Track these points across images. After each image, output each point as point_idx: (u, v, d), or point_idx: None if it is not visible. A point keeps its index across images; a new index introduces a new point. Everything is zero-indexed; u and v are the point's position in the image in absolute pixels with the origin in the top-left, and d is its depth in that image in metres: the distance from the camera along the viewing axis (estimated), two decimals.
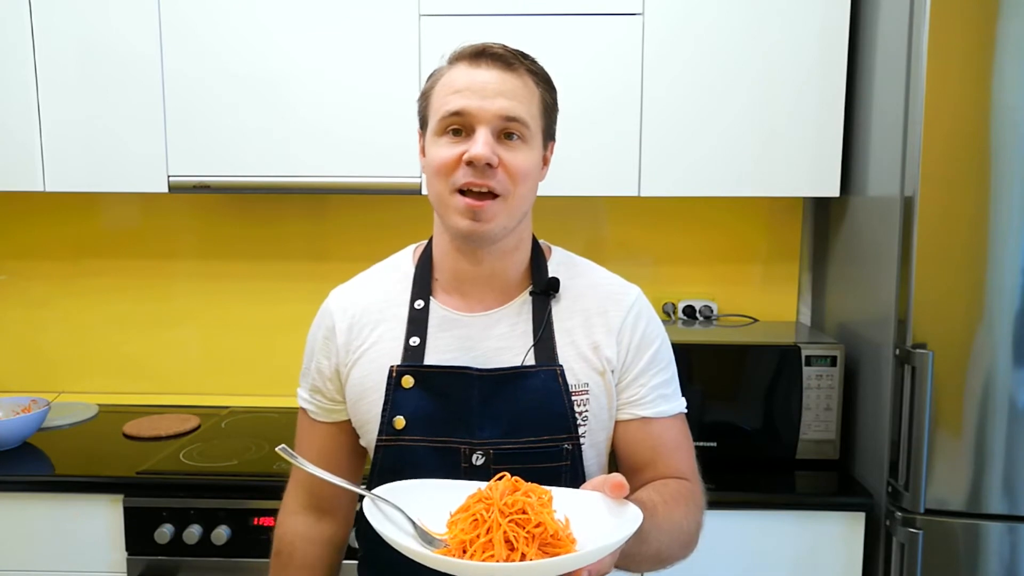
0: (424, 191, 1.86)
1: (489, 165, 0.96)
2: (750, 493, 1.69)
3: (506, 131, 0.98)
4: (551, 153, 1.09)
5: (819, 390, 1.79)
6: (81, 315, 2.27)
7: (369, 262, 1.18)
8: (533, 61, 1.04)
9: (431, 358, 1.04)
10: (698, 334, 1.96)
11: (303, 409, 1.15)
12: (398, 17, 1.82)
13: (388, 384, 1.03)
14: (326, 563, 1.15)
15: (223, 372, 2.26)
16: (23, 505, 1.71)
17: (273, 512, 1.63)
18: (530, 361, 1.03)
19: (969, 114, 1.49)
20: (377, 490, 0.88)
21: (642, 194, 1.86)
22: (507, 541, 0.77)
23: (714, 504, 1.12)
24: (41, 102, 1.86)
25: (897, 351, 1.58)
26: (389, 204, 2.19)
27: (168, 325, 2.26)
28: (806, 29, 1.81)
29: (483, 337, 1.05)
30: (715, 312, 2.16)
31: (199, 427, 2.04)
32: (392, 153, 1.85)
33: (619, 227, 2.21)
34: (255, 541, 1.66)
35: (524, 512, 0.79)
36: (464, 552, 0.78)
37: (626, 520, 0.80)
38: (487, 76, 0.98)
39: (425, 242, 1.13)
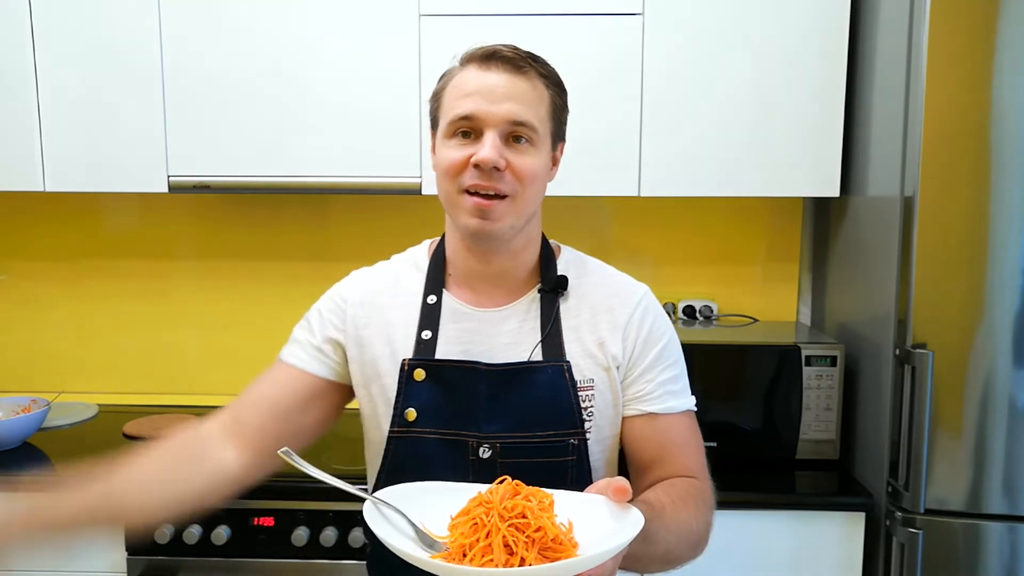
0: (424, 191, 1.86)
1: (496, 168, 0.98)
2: (750, 493, 1.69)
3: (514, 134, 1.00)
4: (561, 153, 1.11)
5: (819, 390, 1.79)
6: (81, 315, 2.27)
7: (368, 261, 1.19)
8: (544, 63, 1.05)
9: (441, 350, 1.06)
10: (698, 334, 1.96)
11: (279, 360, 1.13)
12: (398, 17, 1.82)
13: (400, 377, 1.05)
14: (202, 483, 1.08)
15: (223, 372, 2.26)
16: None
17: (273, 512, 1.64)
18: (537, 357, 1.05)
19: (969, 114, 1.49)
20: (379, 493, 0.89)
21: (642, 194, 1.86)
22: (506, 545, 0.77)
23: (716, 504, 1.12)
24: (41, 102, 1.86)
25: (897, 351, 1.58)
26: (389, 204, 2.19)
27: (168, 325, 2.26)
28: (806, 29, 1.81)
29: (492, 332, 1.07)
30: (715, 312, 2.16)
31: None
32: (392, 153, 1.85)
33: (619, 227, 2.21)
34: (255, 541, 1.66)
35: (524, 516, 0.78)
36: (464, 556, 0.78)
37: (628, 524, 0.79)
38: (496, 80, 1.00)
39: (439, 238, 1.16)
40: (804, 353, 1.79)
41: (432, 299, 1.09)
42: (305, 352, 1.11)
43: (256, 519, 1.66)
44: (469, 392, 1.04)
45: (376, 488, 1.08)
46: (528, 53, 1.03)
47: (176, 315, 2.26)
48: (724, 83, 1.83)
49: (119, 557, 1.69)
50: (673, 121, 1.84)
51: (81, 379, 2.28)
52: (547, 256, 1.12)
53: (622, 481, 0.83)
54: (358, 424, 1.14)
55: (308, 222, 2.23)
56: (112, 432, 2.01)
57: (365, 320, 1.10)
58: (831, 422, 1.79)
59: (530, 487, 0.83)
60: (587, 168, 1.84)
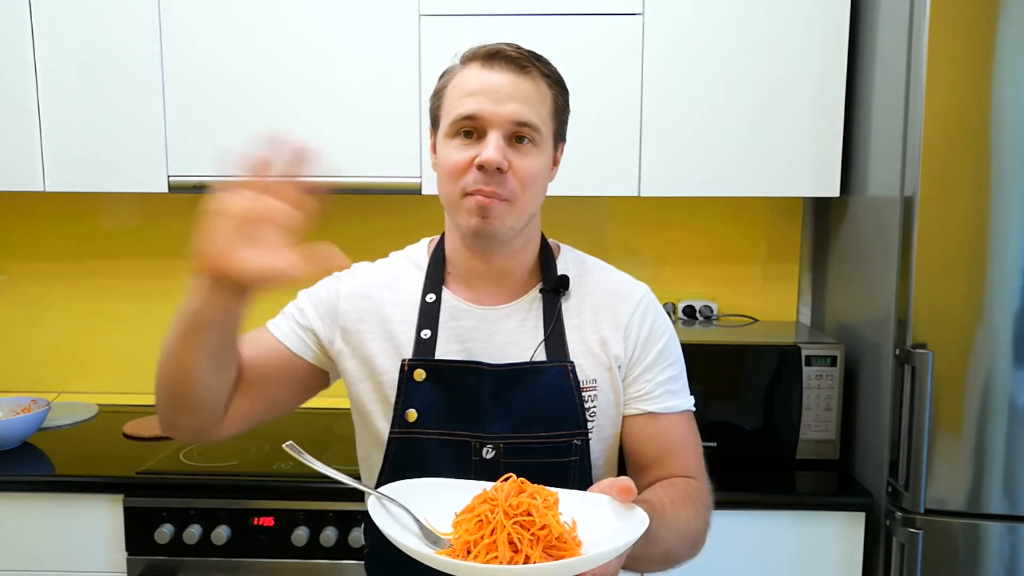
0: (424, 191, 1.86)
1: (500, 170, 0.98)
2: (750, 493, 1.69)
3: (517, 135, 1.00)
4: (561, 153, 1.11)
5: (819, 390, 1.79)
6: (81, 315, 2.27)
7: (368, 261, 1.19)
8: (546, 63, 1.05)
9: (441, 348, 1.06)
10: (698, 334, 1.96)
11: (268, 329, 1.11)
12: (398, 17, 1.82)
13: (400, 377, 1.04)
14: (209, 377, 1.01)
15: None
16: (23, 505, 1.71)
17: (273, 512, 1.64)
18: (540, 357, 1.05)
19: (969, 114, 1.49)
20: (383, 488, 0.89)
21: (642, 194, 1.86)
22: (511, 543, 0.77)
23: (714, 504, 1.12)
24: (41, 102, 1.86)
25: (897, 351, 1.58)
26: (389, 204, 2.19)
27: (168, 325, 2.26)
28: (806, 29, 1.81)
29: (493, 331, 1.07)
30: (715, 312, 2.16)
31: None
32: (392, 153, 1.85)
33: (619, 227, 2.21)
34: (255, 541, 1.66)
35: (529, 514, 0.78)
36: (468, 553, 0.78)
37: (632, 523, 0.79)
38: (500, 79, 1.00)
39: (438, 236, 1.15)
40: (804, 353, 1.79)
41: (431, 298, 1.09)
42: (290, 328, 1.11)
43: (256, 519, 1.66)
44: (472, 392, 1.04)
45: (377, 487, 1.08)
46: (531, 52, 1.03)
47: None
48: (724, 83, 1.83)
49: (119, 557, 1.69)
50: (673, 121, 1.84)
51: (81, 379, 2.28)
52: (546, 255, 1.12)
53: (627, 481, 0.83)
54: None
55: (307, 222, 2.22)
56: (112, 432, 2.01)
57: (359, 315, 1.09)
58: (831, 422, 1.79)
59: (535, 485, 0.83)
60: (587, 168, 1.84)
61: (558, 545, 0.78)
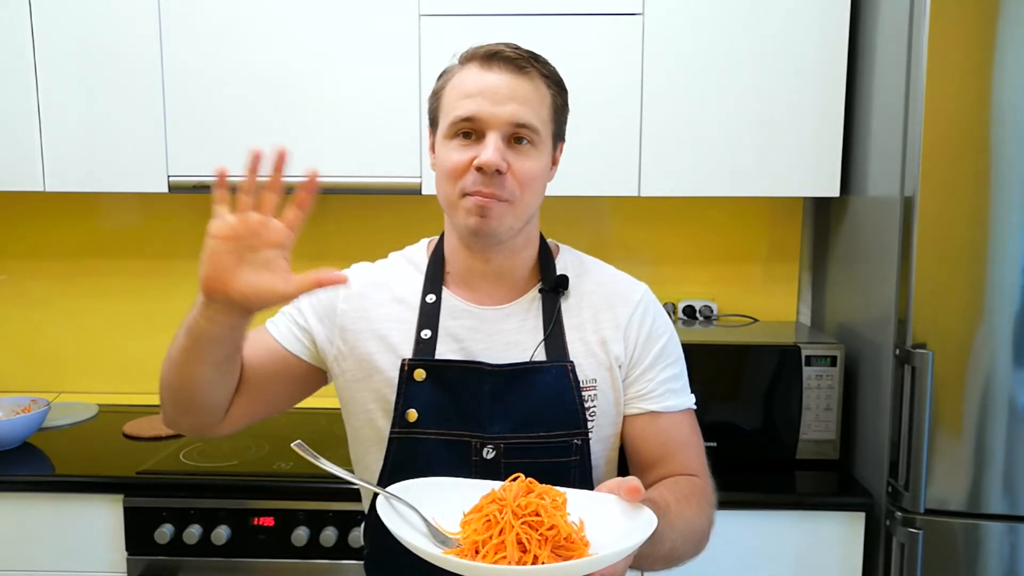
0: (424, 191, 1.86)
1: (499, 171, 0.98)
2: (750, 493, 1.69)
3: (516, 136, 1.00)
4: (561, 153, 1.11)
5: (819, 390, 1.79)
6: (81, 315, 2.27)
7: (368, 261, 1.19)
8: (545, 63, 1.05)
9: (441, 348, 1.06)
10: (698, 334, 1.96)
11: (266, 329, 1.12)
12: (398, 17, 1.82)
13: (401, 377, 1.04)
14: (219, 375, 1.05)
15: None
16: (23, 505, 1.71)
17: (273, 512, 1.64)
18: (540, 357, 1.05)
19: (969, 114, 1.49)
20: (391, 488, 0.88)
21: (642, 194, 1.86)
22: (520, 543, 0.77)
23: (718, 502, 1.11)
24: (41, 102, 1.86)
25: (897, 351, 1.58)
26: (389, 204, 2.19)
27: (168, 325, 2.23)
28: (806, 29, 1.81)
29: (492, 331, 1.07)
30: (715, 312, 2.16)
31: None
32: (392, 153, 1.85)
33: (619, 227, 2.21)
34: (255, 541, 1.66)
35: (537, 514, 0.78)
36: (476, 553, 0.78)
37: (641, 524, 0.79)
38: (498, 80, 1.00)
39: (438, 237, 1.15)
40: (804, 353, 1.79)
41: (431, 298, 1.09)
42: (289, 330, 1.11)
43: (256, 519, 1.66)
44: (472, 392, 1.04)
45: (372, 508, 1.09)
46: (530, 53, 1.03)
47: (176, 315, 2.22)
48: (724, 83, 1.83)
49: (119, 557, 1.69)
50: (673, 121, 1.84)
51: (81, 379, 2.28)
52: (546, 255, 1.12)
53: (634, 481, 0.83)
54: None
55: (307, 222, 2.22)
56: (112, 432, 2.01)
57: (357, 315, 1.09)
58: (831, 422, 1.79)
59: (543, 485, 0.83)
60: (587, 168, 1.84)
61: (566, 545, 0.78)
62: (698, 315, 2.16)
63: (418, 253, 1.16)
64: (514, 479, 0.84)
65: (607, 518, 0.82)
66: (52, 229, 2.25)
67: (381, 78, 1.84)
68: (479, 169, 0.98)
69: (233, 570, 1.67)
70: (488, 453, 1.02)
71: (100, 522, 1.70)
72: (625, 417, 1.09)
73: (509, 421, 1.03)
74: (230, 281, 0.90)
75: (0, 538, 1.72)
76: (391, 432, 1.05)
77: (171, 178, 1.88)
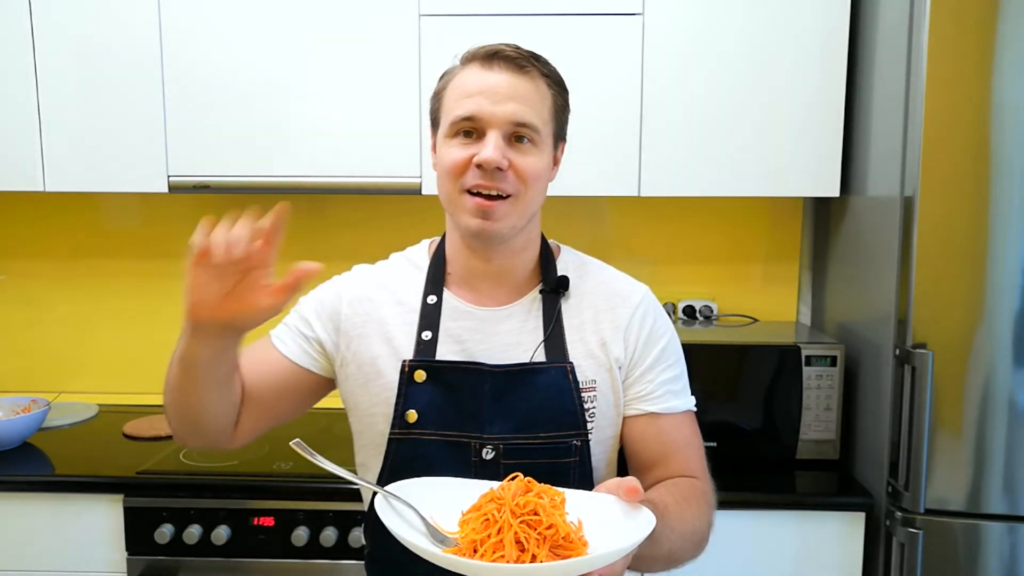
0: (424, 191, 1.86)
1: (499, 169, 0.98)
2: (750, 493, 1.69)
3: (516, 135, 1.00)
4: (562, 153, 1.11)
5: (819, 390, 1.79)
6: (81, 315, 2.27)
7: (368, 261, 1.19)
8: (545, 63, 1.05)
9: (442, 349, 1.06)
10: (698, 334, 1.96)
11: (268, 337, 1.12)
12: (398, 17, 1.82)
13: (401, 378, 1.04)
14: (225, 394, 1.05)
15: None
16: (23, 505, 1.71)
17: (273, 512, 1.64)
18: (540, 358, 1.05)
19: (969, 114, 1.49)
20: (390, 487, 0.89)
21: (642, 194, 1.86)
22: (518, 542, 0.77)
23: (717, 503, 1.11)
24: (41, 102, 1.86)
25: (897, 351, 1.58)
26: (389, 204, 2.19)
27: (168, 325, 2.25)
28: (806, 29, 1.81)
29: (493, 331, 1.07)
30: (715, 312, 2.16)
31: None
32: (392, 153, 1.85)
33: (619, 227, 2.21)
34: (255, 541, 1.66)
35: (536, 513, 0.78)
36: (475, 552, 0.78)
37: (639, 524, 0.79)
38: (499, 79, 1.00)
39: (439, 237, 1.15)
40: (804, 353, 1.79)
41: (432, 299, 1.09)
42: (295, 343, 1.11)
43: (256, 519, 1.66)
44: (472, 393, 1.04)
45: (373, 506, 1.08)
46: (530, 52, 1.03)
47: (176, 315, 2.23)
48: (724, 83, 1.83)
49: (119, 557, 1.69)
50: (673, 121, 1.84)
51: (81, 379, 2.28)
52: (547, 256, 1.12)
53: (633, 481, 0.83)
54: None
55: (308, 222, 2.23)
56: (112, 432, 2.01)
57: (361, 318, 1.09)
58: (831, 422, 1.79)
59: (542, 485, 0.83)
60: (587, 168, 1.83)
61: (564, 545, 0.78)
62: (698, 315, 2.16)
63: (419, 254, 1.16)
64: (512, 478, 0.84)
65: (606, 518, 0.82)
66: (52, 229, 2.25)
67: (381, 78, 1.84)
68: (479, 166, 0.98)
69: (233, 570, 1.67)
70: (488, 454, 1.02)
71: (100, 522, 1.70)
72: (625, 418, 1.09)
73: (509, 422, 1.03)
74: (216, 307, 0.91)
75: (0, 538, 1.72)
76: (391, 433, 1.05)
77: (171, 178, 1.88)
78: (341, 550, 1.65)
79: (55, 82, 1.86)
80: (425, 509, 0.86)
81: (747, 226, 2.18)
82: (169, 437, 1.96)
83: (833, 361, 1.79)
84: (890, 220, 1.62)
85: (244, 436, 1.09)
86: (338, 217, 2.22)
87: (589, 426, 1.04)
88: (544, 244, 1.13)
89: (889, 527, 1.59)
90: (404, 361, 1.05)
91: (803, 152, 1.84)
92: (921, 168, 1.51)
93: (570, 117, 1.11)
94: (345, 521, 1.65)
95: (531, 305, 1.09)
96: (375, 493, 0.88)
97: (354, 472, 0.91)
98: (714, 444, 1.79)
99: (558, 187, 1.71)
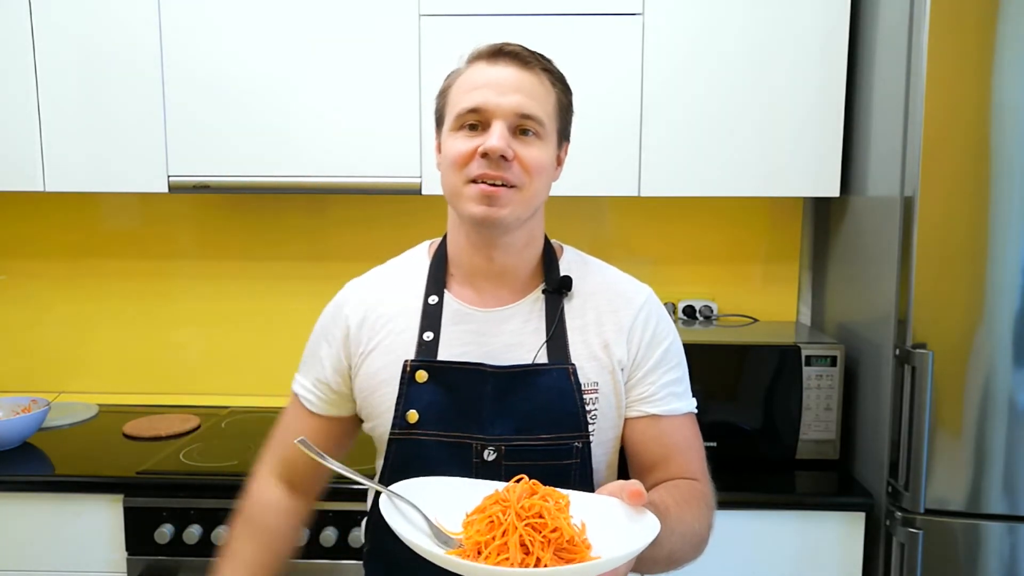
0: (424, 191, 1.86)
1: (504, 158, 0.98)
2: (750, 493, 1.69)
3: (521, 127, 1.00)
4: (565, 154, 1.11)
5: (819, 390, 1.79)
6: (81, 315, 2.27)
7: (368, 261, 1.19)
8: (550, 62, 1.06)
9: (444, 351, 1.06)
10: (698, 334, 1.96)
11: (296, 396, 1.16)
12: (398, 17, 1.82)
13: (402, 379, 1.04)
14: (289, 533, 1.19)
15: (223, 372, 2.26)
16: (23, 505, 1.71)
17: None
18: (542, 358, 1.05)
19: (969, 114, 1.49)
20: (394, 487, 0.88)
21: (642, 194, 1.86)
22: (522, 545, 0.76)
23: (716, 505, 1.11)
24: (41, 102, 1.87)
25: (897, 351, 1.58)
26: (389, 204, 2.19)
27: (168, 325, 2.26)
28: (806, 29, 1.81)
29: (495, 332, 1.07)
30: (715, 312, 2.16)
31: (199, 427, 2.04)
32: (392, 153, 1.85)
33: (619, 227, 2.21)
34: None
35: (541, 516, 0.78)
36: (479, 554, 0.78)
37: (643, 528, 0.79)
38: (504, 73, 1.00)
39: (440, 239, 1.15)
40: (804, 353, 1.79)
41: (433, 299, 1.09)
42: (320, 398, 1.14)
43: None
44: (473, 394, 1.03)
45: (376, 504, 1.09)
46: (535, 51, 1.04)
47: (176, 315, 2.26)
48: (724, 83, 1.83)
49: (119, 557, 1.69)
50: (673, 121, 1.84)
51: (81, 379, 2.28)
52: (549, 256, 1.12)
53: (637, 485, 0.82)
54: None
55: (308, 222, 2.23)
56: (112, 432, 2.01)
57: (368, 337, 1.09)
58: (831, 422, 1.79)
59: (547, 487, 0.83)
60: (587, 168, 1.83)
61: (569, 548, 0.77)
62: (698, 315, 2.16)
63: (419, 255, 1.16)
64: (517, 480, 0.84)
65: (609, 521, 0.82)
66: (52, 229, 2.25)
67: (381, 78, 1.84)
68: (485, 156, 0.98)
69: None
70: (489, 455, 1.02)
71: (100, 522, 1.70)
72: (626, 420, 1.08)
73: (510, 423, 1.03)
74: None
75: (0, 538, 1.72)
76: (391, 433, 1.05)
77: (171, 178, 1.88)
78: (341, 550, 1.65)
79: (55, 82, 1.86)
80: (429, 509, 0.85)
81: (747, 226, 2.18)
82: (169, 437, 1.96)
83: (833, 361, 1.79)
84: (890, 220, 1.62)
85: (314, 495, 1.20)
86: (338, 217, 2.22)
87: (591, 428, 1.04)
88: (547, 244, 1.13)
89: (889, 527, 1.59)
90: (406, 361, 1.05)
91: (803, 152, 1.84)
92: (921, 168, 1.51)
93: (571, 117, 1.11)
94: (345, 521, 1.65)
95: (533, 305, 1.08)
96: (378, 493, 0.88)
97: (358, 472, 0.91)
98: (714, 444, 1.79)
99: (558, 187, 1.70)
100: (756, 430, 1.81)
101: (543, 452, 1.02)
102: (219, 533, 1.65)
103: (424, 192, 1.86)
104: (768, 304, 2.20)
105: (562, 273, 1.10)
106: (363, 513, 1.15)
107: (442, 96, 1.07)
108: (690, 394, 1.12)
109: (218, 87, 1.85)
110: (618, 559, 0.75)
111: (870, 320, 1.75)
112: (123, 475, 1.71)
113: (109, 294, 2.26)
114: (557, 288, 1.09)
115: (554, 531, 0.77)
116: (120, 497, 1.68)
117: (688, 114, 1.84)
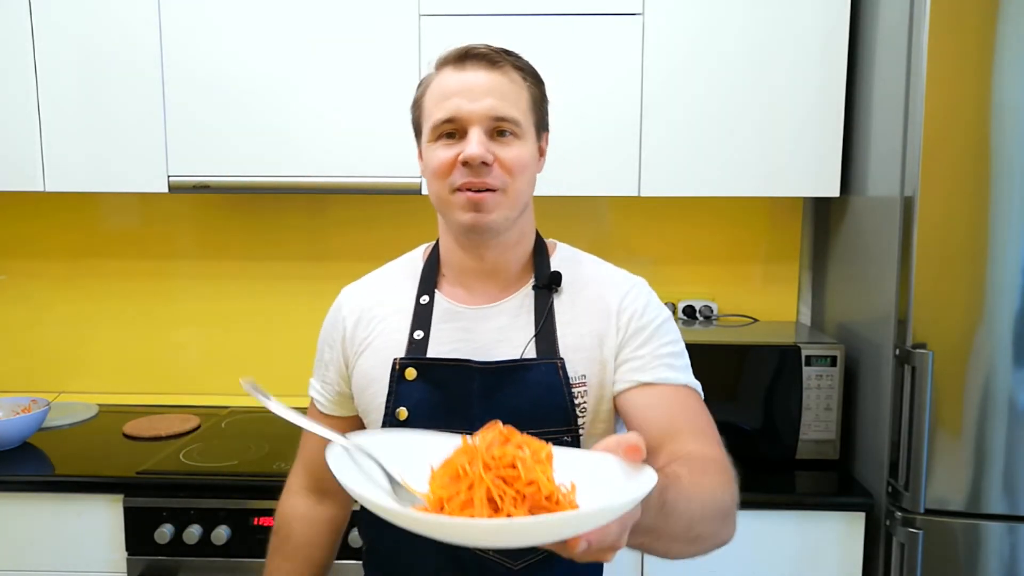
0: (424, 191, 1.86)
1: (484, 163, 0.99)
2: (750, 493, 1.65)
3: (498, 129, 1.01)
4: (547, 144, 1.11)
5: (819, 390, 1.79)
6: (81, 315, 2.27)
7: (368, 261, 1.19)
8: (518, 57, 1.06)
9: (433, 350, 1.06)
10: (698, 334, 1.96)
11: (312, 400, 1.19)
12: (398, 17, 1.82)
13: (392, 376, 1.05)
14: (323, 542, 1.18)
15: (223, 372, 2.26)
16: (23, 505, 1.71)
17: (273, 512, 1.63)
18: (530, 354, 1.04)
19: (969, 114, 1.49)
20: (355, 437, 0.79)
21: (642, 194, 1.86)
22: (491, 500, 0.65)
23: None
24: (41, 102, 1.87)
25: (897, 351, 1.58)
26: (389, 204, 2.19)
27: (168, 325, 2.26)
28: (806, 29, 1.81)
29: (483, 329, 1.07)
30: (715, 312, 2.16)
31: (199, 427, 2.04)
32: (392, 153, 1.85)
33: (619, 227, 2.21)
34: (255, 541, 1.66)
35: (514, 467, 0.66)
36: (442, 510, 0.67)
37: (640, 484, 0.66)
38: (474, 78, 1.00)
39: (435, 242, 1.16)
40: (804, 353, 1.79)
41: (424, 299, 1.09)
42: (327, 399, 1.16)
43: (256, 519, 1.66)
44: (462, 390, 1.04)
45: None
46: (501, 48, 1.04)
47: (176, 315, 2.26)
48: (724, 83, 1.83)
49: (119, 557, 1.69)
50: (673, 121, 1.84)
51: (81, 379, 2.28)
52: (540, 252, 1.12)
53: (634, 437, 0.71)
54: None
55: (308, 222, 2.23)
56: (112, 432, 2.01)
57: (363, 336, 1.11)
58: (831, 422, 1.79)
59: (525, 435, 0.71)
60: (587, 168, 1.83)
61: (548, 506, 0.65)
62: (698, 315, 2.16)
63: (415, 258, 1.17)
64: (491, 427, 0.72)
65: (604, 481, 0.69)
66: (52, 229, 2.26)
67: (381, 78, 1.84)
68: (465, 164, 0.99)
69: (233, 570, 1.67)
70: None
71: (100, 522, 1.70)
72: (618, 398, 1.04)
73: (499, 419, 1.02)
74: None
75: (0, 538, 1.72)
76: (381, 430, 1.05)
77: (171, 178, 1.88)
78: (341, 550, 1.64)
79: (55, 82, 1.86)
80: (395, 466, 0.75)
81: (747, 226, 2.18)
82: (169, 437, 1.96)
83: (833, 361, 1.79)
84: (890, 220, 1.62)
85: (345, 501, 1.20)
86: (338, 217, 2.22)
87: (580, 422, 1.04)
88: (539, 241, 1.13)
89: (889, 527, 1.59)
90: (395, 359, 1.05)
91: (803, 152, 1.84)
92: (921, 168, 1.51)
93: (570, 117, 1.11)
94: None
95: (523, 301, 1.08)
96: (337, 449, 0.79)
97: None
98: None
99: (556, 187, 1.70)
100: (756, 430, 1.81)
101: None
102: (219, 533, 1.65)
103: (424, 192, 1.86)
104: (768, 304, 2.20)
105: (553, 269, 1.10)
106: (361, 509, 1.15)
107: (416, 107, 1.07)
108: (690, 372, 1.06)
109: (218, 87, 1.85)
110: (602, 513, 0.61)
111: (870, 320, 1.75)
112: (123, 475, 1.71)
113: (109, 294, 2.26)
114: (547, 284, 1.09)
115: (530, 485, 0.65)
116: (120, 497, 1.68)
117: (688, 114, 1.84)
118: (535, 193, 1.10)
